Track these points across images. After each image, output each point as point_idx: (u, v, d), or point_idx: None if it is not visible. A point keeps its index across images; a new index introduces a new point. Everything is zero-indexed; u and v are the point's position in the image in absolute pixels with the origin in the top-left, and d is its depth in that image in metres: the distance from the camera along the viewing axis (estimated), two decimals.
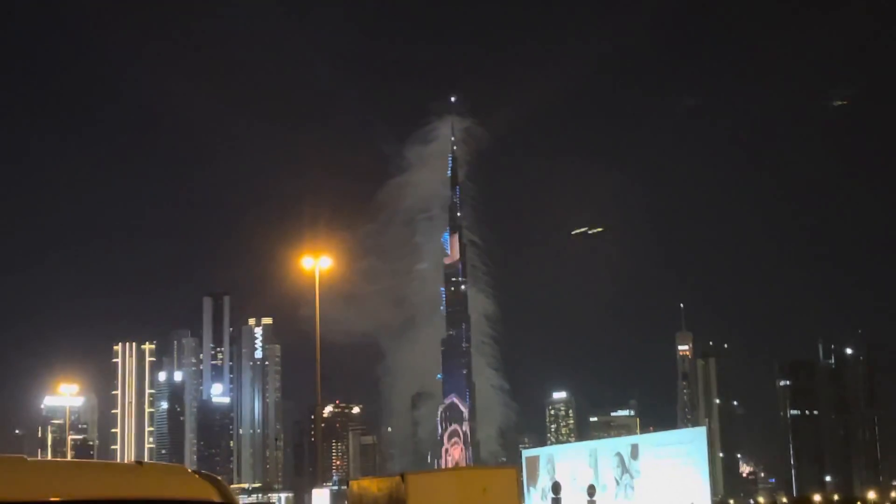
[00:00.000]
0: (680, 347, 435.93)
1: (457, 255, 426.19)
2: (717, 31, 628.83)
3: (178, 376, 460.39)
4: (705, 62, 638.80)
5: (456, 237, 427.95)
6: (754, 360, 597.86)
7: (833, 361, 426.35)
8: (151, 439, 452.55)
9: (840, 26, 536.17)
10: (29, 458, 7.56)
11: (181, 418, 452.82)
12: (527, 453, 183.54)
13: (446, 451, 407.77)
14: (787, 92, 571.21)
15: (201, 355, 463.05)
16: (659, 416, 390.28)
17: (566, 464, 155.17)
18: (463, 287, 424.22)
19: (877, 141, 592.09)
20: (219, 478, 7.95)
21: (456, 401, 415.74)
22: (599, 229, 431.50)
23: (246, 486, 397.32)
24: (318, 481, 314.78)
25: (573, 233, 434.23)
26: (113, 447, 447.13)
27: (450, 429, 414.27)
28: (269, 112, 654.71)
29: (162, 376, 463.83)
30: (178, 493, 7.57)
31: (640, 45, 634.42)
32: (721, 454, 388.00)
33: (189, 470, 8.13)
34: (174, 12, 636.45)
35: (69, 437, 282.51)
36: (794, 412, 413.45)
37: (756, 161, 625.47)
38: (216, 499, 7.72)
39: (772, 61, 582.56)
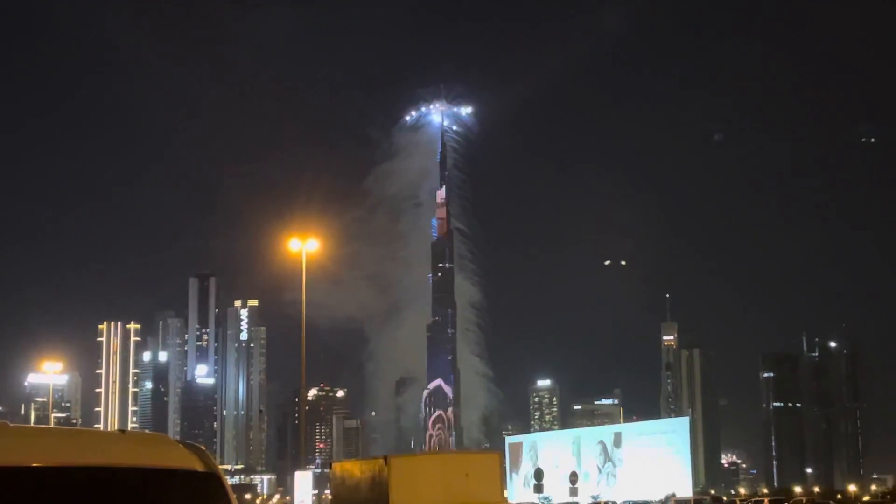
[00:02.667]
0: (665, 338, 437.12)
1: (444, 241, 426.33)
2: (706, 22, 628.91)
3: (162, 357, 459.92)
4: (698, 52, 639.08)
5: (443, 223, 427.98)
6: (738, 351, 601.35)
7: (817, 355, 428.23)
8: (135, 419, 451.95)
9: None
10: (11, 424, 7.50)
11: (165, 399, 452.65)
12: (510, 440, 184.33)
13: (430, 436, 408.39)
14: (777, 85, 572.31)
15: (186, 336, 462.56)
16: (642, 406, 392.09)
17: (549, 451, 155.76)
18: (449, 267, 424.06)
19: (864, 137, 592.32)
20: (202, 447, 7.87)
21: (440, 386, 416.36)
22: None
23: (228, 467, 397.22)
24: (301, 464, 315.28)
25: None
26: (96, 426, 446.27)
27: (434, 414, 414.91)
28: (258, 94, 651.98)
29: (146, 356, 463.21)
30: (161, 462, 7.49)
31: (631, 37, 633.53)
32: (703, 444, 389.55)
33: (172, 439, 8.09)
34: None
35: (52, 415, 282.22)
36: (776, 404, 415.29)
37: (743, 154, 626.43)
38: (199, 468, 7.65)
39: (774, 51, 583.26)
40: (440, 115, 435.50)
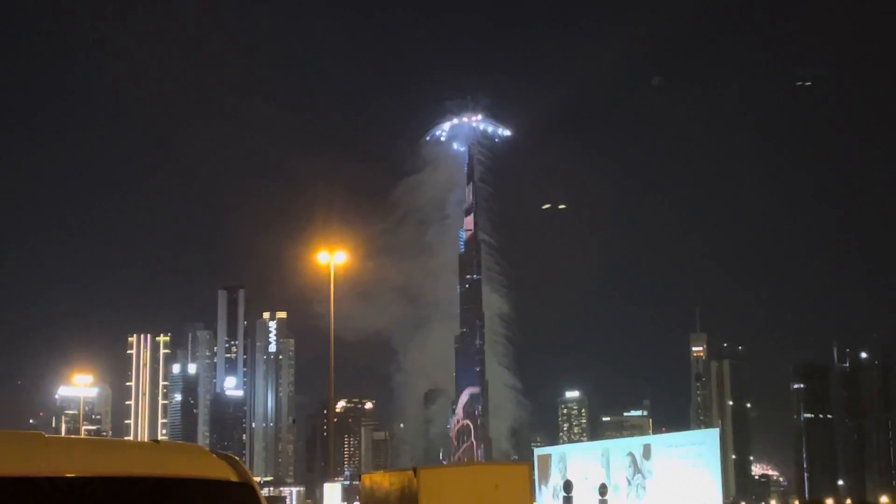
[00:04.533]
0: (694, 349, 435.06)
1: (472, 253, 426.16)
2: (745, 24, 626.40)
3: (191, 369, 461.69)
4: (730, 55, 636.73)
5: (471, 235, 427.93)
6: (768, 362, 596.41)
7: (847, 365, 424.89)
8: (164, 431, 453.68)
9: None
10: (46, 435, 7.50)
11: (194, 411, 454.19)
12: (539, 452, 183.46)
13: (458, 447, 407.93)
14: (809, 90, 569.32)
15: (215, 348, 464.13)
16: (672, 417, 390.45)
17: (578, 463, 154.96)
18: (477, 278, 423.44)
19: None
20: (236, 457, 7.91)
21: (468, 398, 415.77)
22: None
23: (258, 479, 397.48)
24: (330, 475, 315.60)
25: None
26: (126, 438, 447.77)
27: (462, 426, 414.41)
28: (288, 105, 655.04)
29: (176, 368, 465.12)
30: (195, 472, 7.50)
31: (664, 42, 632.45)
32: (734, 456, 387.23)
33: (206, 449, 8.12)
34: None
35: (83, 428, 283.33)
36: (807, 415, 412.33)
37: (773, 164, 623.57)
38: (234, 478, 7.65)
39: (801, 56, 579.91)
40: (468, 128, 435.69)
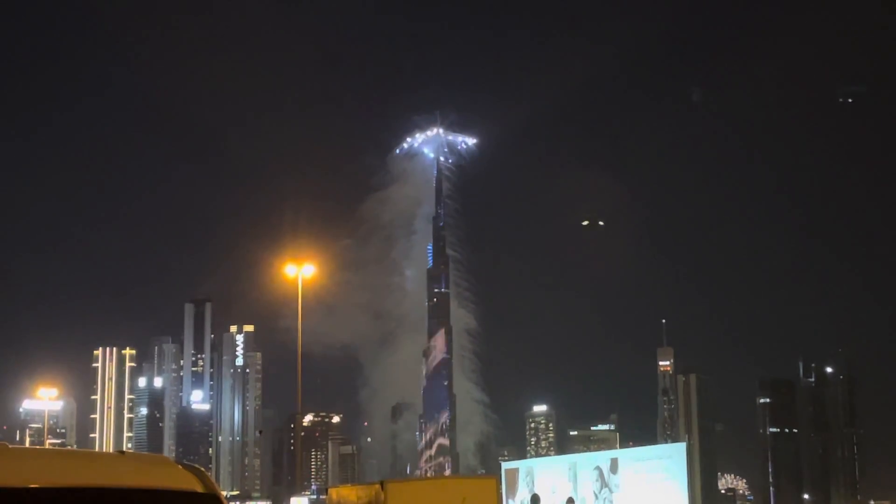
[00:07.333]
0: (661, 363, 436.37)
1: (440, 267, 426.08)
2: (724, 31, 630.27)
3: (158, 382, 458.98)
4: (696, 70, 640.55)
5: (439, 250, 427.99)
6: (735, 376, 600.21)
7: (813, 380, 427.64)
8: (130, 445, 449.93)
9: (850, 20, 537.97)
10: (11, 446, 7.49)
11: (160, 424, 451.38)
12: (506, 465, 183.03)
13: (426, 461, 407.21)
14: (770, 117, 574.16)
15: (182, 362, 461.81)
16: (639, 431, 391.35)
17: (546, 477, 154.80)
18: (445, 292, 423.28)
19: (867, 157, 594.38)
20: (202, 469, 7.89)
21: (436, 412, 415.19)
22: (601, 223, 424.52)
23: (224, 493, 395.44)
24: (297, 489, 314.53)
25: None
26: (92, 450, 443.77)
27: (429, 440, 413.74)
28: (254, 118, 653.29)
29: (142, 382, 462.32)
30: (161, 483, 7.46)
31: (633, 59, 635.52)
32: (700, 470, 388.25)
33: (172, 460, 8.10)
34: (163, 12, 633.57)
35: (47, 441, 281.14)
36: (773, 429, 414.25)
37: (739, 179, 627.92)
38: (199, 489, 7.64)
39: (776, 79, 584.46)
40: (435, 143, 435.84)
